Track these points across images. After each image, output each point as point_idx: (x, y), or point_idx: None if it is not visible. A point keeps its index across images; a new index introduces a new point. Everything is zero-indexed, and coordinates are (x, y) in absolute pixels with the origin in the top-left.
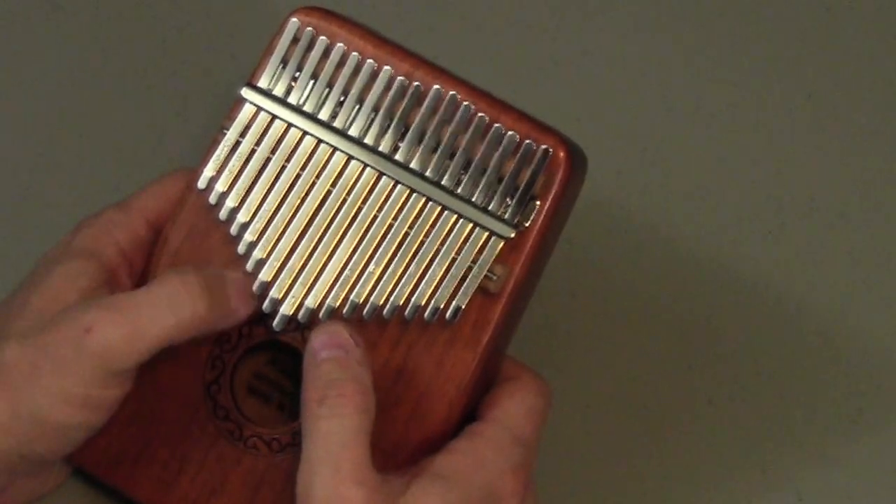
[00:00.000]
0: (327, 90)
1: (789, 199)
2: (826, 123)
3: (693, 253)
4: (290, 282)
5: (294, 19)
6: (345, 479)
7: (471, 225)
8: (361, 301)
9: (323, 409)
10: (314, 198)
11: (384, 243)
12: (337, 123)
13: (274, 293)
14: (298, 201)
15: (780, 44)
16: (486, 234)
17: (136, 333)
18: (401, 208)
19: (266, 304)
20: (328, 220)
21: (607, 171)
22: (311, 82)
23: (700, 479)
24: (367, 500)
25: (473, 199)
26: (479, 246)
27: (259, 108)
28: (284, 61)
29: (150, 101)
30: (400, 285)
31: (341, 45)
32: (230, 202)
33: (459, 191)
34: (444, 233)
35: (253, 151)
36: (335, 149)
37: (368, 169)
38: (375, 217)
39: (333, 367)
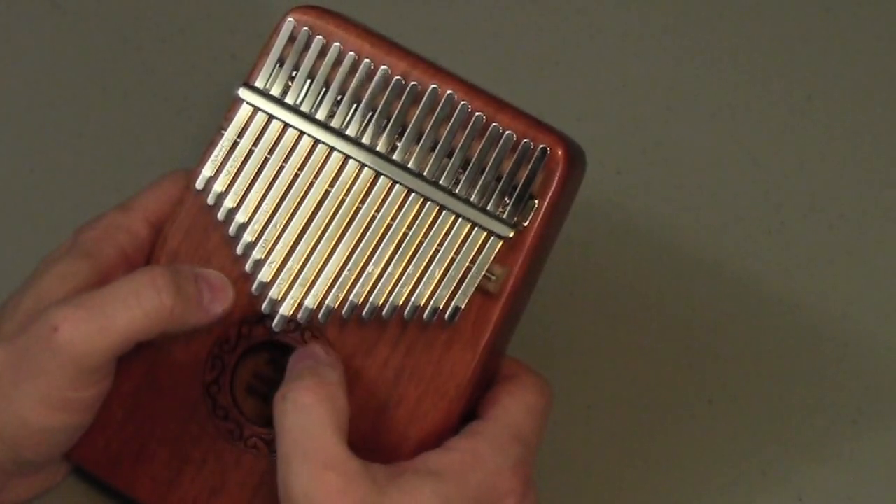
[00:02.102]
0: (324, 89)
1: (789, 199)
2: (826, 123)
3: (693, 253)
4: (289, 282)
5: (290, 19)
6: (318, 468)
7: (469, 225)
8: (360, 301)
9: (286, 404)
10: (312, 198)
11: (383, 243)
12: (334, 123)
13: (273, 294)
14: (297, 202)
15: (780, 44)
16: (485, 234)
17: (102, 329)
18: (399, 208)
19: (265, 305)
20: (326, 221)
21: (607, 171)
22: (308, 82)
23: (700, 479)
24: (347, 487)
25: (472, 199)
26: (477, 246)
27: (256, 109)
28: (281, 61)
29: (150, 101)
30: (399, 286)
31: (338, 44)
32: (228, 202)
33: (457, 190)
34: (443, 233)
35: (251, 152)
36: (333, 149)
37: (366, 169)
38: (374, 217)
39: (299, 370)
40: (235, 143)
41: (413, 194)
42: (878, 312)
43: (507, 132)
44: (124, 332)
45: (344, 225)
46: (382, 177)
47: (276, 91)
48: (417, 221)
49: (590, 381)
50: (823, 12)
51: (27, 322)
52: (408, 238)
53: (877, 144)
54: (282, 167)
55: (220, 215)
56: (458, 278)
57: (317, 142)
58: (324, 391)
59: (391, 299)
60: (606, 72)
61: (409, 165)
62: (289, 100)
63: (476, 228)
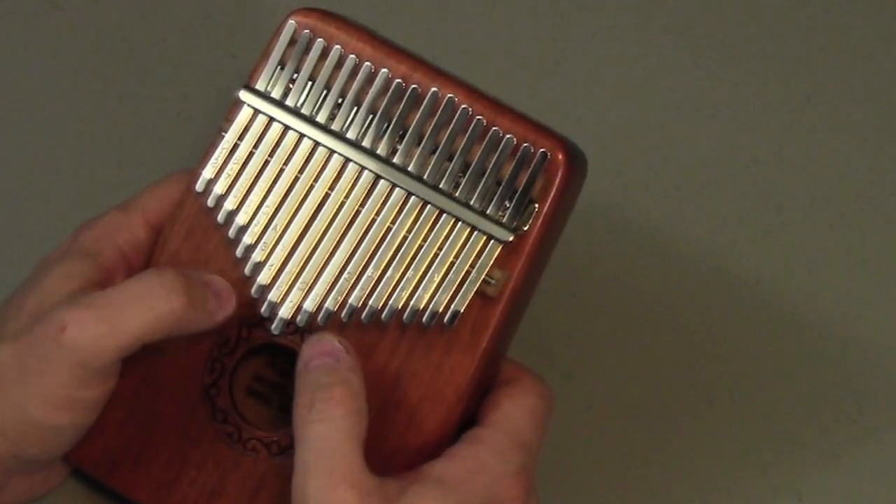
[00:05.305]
0: (325, 92)
1: (789, 199)
2: (826, 123)
3: (693, 253)
4: (288, 285)
5: (291, 21)
6: (338, 481)
7: (469, 229)
8: (359, 305)
9: (313, 414)
10: (312, 201)
11: (382, 247)
12: (335, 126)
13: (272, 296)
14: (297, 204)
15: (780, 44)
16: (485, 238)
17: (111, 330)
18: (399, 212)
19: (264, 308)
20: (326, 224)
21: (607, 172)
22: (309, 84)
23: (700, 480)
24: (361, 503)
25: (472, 203)
26: (477, 250)
27: (257, 111)
28: (282, 63)
29: (150, 101)
30: (398, 289)
31: (339, 46)
32: (228, 205)
33: (458, 194)
34: (443, 237)
35: (251, 154)
36: (333, 152)
37: (366, 172)
38: (373, 220)
39: (322, 373)
40: (236, 146)
41: (413, 198)
42: (878, 312)
43: (508, 136)
44: (133, 333)
45: (344, 228)
46: (382, 180)
47: (276, 93)
48: (417, 225)
49: (590, 382)
50: (823, 12)
51: (32, 321)
52: (407, 241)
53: (877, 144)
54: (282, 170)
55: (220, 217)
56: (458, 282)
57: (317, 145)
58: (352, 404)
59: (390, 303)
60: (606, 72)
61: (410, 169)
62: (289, 102)
63: (476, 232)
